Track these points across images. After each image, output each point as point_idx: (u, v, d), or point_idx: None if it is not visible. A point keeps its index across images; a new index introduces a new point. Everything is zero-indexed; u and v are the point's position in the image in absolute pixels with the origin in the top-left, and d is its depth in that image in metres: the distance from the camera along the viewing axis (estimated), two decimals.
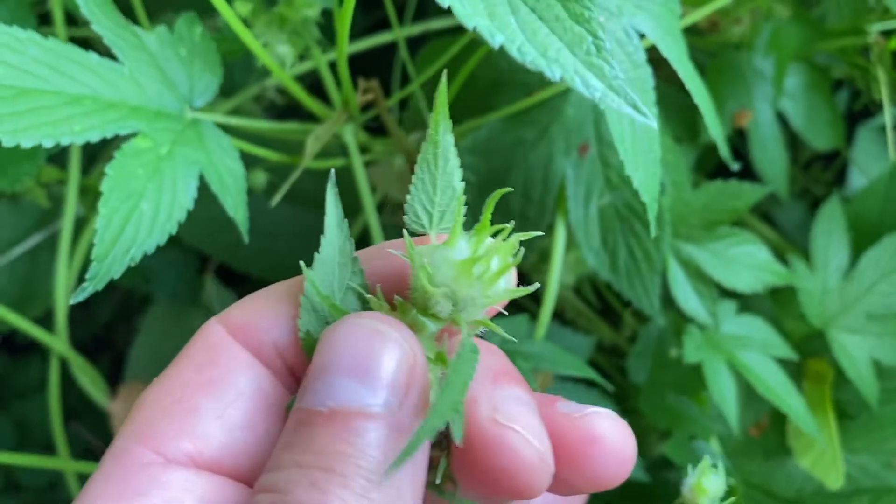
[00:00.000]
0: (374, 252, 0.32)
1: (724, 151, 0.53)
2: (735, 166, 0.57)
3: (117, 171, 0.39)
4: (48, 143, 0.39)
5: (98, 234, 0.37)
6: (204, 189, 0.44)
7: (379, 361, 0.26)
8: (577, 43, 0.29)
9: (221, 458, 0.28)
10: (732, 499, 0.41)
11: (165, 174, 0.41)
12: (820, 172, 0.82)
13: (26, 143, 0.38)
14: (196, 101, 0.46)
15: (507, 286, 0.28)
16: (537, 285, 0.29)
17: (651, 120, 0.26)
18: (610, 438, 0.29)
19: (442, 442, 0.29)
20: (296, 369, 0.30)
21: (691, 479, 0.40)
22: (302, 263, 0.29)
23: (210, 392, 0.29)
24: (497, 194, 0.29)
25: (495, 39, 0.29)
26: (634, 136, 0.43)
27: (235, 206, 0.43)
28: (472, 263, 0.27)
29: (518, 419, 0.27)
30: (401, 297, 0.30)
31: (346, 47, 0.44)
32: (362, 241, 0.71)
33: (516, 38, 0.29)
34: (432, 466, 0.29)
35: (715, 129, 0.49)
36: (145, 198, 0.39)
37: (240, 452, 0.28)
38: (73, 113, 0.40)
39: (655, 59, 0.47)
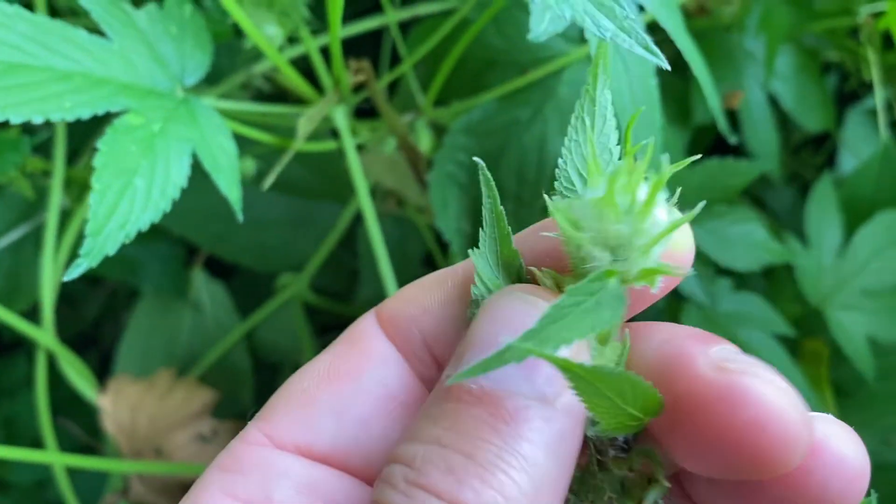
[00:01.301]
0: (529, 235, 0.29)
1: (721, 124, 0.53)
2: (733, 139, 0.56)
3: (110, 147, 0.38)
4: (38, 120, 0.38)
5: (92, 209, 0.36)
6: (192, 179, 0.43)
7: None
8: None
9: (332, 451, 0.28)
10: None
11: (159, 151, 0.40)
12: (809, 157, 0.82)
13: (15, 119, 0.37)
14: (187, 79, 0.45)
15: (665, 219, 0.23)
16: (699, 208, 0.23)
17: (663, 61, 0.26)
18: (834, 447, 0.24)
19: (629, 440, 0.25)
20: (443, 360, 0.29)
21: None
22: (470, 251, 0.28)
23: (334, 386, 0.29)
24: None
25: None
26: (636, 106, 0.42)
27: (229, 185, 0.43)
28: (612, 196, 0.23)
29: (754, 368, 0.23)
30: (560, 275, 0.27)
31: (340, 19, 0.43)
32: (353, 227, 0.71)
33: None
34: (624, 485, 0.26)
35: (713, 99, 0.49)
36: (139, 174, 0.38)
37: (352, 448, 0.28)
38: (63, 89, 0.39)
39: None
